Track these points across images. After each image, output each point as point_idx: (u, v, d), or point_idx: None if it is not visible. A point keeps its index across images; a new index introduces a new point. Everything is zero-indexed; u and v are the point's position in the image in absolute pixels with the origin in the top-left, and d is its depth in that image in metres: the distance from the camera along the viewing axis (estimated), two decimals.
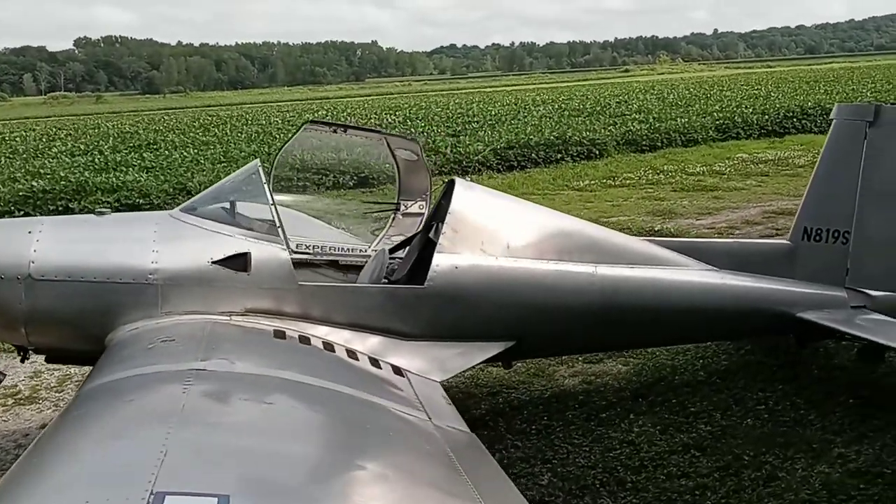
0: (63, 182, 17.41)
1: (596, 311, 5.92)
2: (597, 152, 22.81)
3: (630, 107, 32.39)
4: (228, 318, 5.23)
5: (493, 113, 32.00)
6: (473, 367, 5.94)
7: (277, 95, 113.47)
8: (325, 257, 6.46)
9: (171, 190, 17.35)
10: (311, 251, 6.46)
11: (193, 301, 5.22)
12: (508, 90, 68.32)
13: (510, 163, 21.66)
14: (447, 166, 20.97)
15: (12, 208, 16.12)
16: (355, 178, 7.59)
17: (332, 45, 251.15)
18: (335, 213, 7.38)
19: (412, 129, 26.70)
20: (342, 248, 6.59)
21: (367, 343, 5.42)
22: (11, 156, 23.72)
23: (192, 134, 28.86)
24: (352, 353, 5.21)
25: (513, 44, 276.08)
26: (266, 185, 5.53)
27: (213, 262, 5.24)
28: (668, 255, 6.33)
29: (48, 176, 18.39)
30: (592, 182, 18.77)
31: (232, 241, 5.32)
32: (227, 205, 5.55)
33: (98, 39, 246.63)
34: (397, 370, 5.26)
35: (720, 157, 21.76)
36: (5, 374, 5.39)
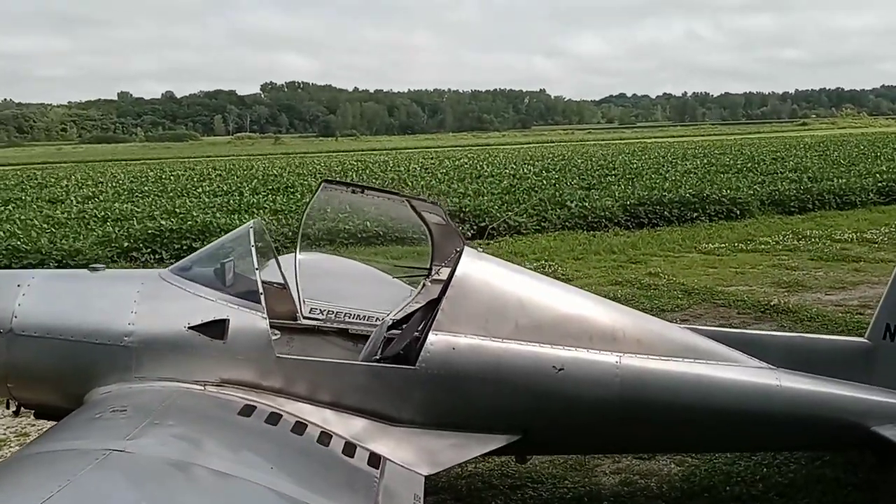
0: (191, 222, 18.12)
1: (617, 406, 5.18)
2: (737, 212, 21.43)
3: (785, 164, 30.43)
4: (202, 388, 4.93)
5: (633, 166, 30.93)
6: (469, 460, 5.33)
7: (443, 141, 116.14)
8: (335, 325, 6.08)
9: (291, 234, 17.68)
10: (322, 317, 6.10)
11: (168, 367, 4.96)
12: (675, 140, 66.57)
13: (640, 220, 20.70)
14: (571, 221, 20.31)
15: (140, 245, 16.91)
16: (385, 240, 7.18)
17: (501, 93, 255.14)
18: (362, 276, 7.01)
19: (544, 181, 26.18)
20: (358, 316, 6.19)
21: (349, 425, 4.96)
22: (160, 194, 25.12)
23: (316, 178, 29.64)
24: (325, 437, 4.76)
25: (685, 94, 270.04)
26: (253, 249, 5.23)
27: (190, 328, 4.98)
28: (714, 347, 5.49)
29: (181, 215, 19.23)
30: (724, 245, 17.52)
31: (212, 307, 5.03)
32: (218, 266, 5.30)
33: (282, 84, 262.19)
34: (374, 460, 4.75)
35: (876, 224, 19.85)
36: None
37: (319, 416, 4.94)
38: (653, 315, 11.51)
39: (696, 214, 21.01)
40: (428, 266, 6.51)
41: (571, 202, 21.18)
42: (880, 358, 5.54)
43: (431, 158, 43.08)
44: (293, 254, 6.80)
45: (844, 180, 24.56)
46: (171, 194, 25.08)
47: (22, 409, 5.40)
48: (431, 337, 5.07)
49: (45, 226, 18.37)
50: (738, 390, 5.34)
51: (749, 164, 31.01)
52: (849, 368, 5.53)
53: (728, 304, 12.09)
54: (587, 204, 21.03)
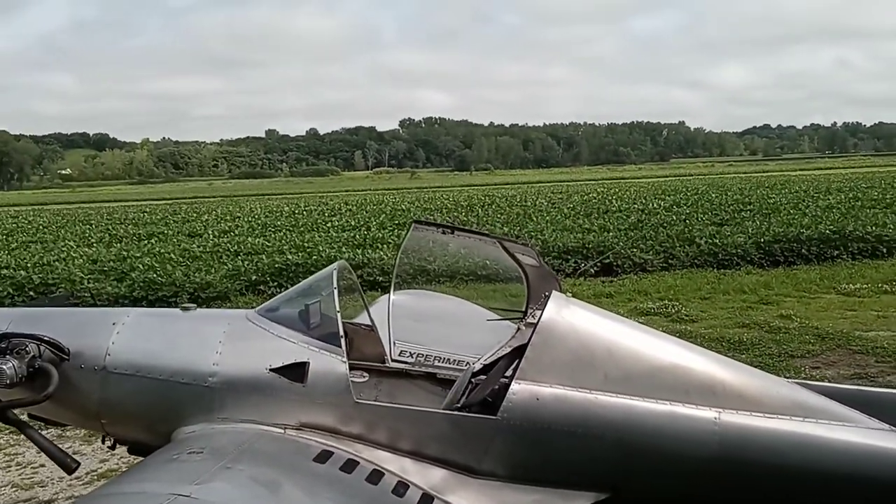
0: (316, 256, 18.59)
1: (715, 467, 4.78)
2: (883, 250, 19.97)
3: None
4: (282, 430, 4.92)
5: (771, 201, 29.50)
6: None
7: (578, 174, 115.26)
8: (423, 368, 5.95)
9: None
10: (411, 360, 5.99)
11: (250, 409, 4.98)
12: (822, 173, 63.47)
13: (775, 258, 19.63)
14: (700, 258, 19.51)
15: (267, 279, 17.47)
16: (481, 281, 7.00)
17: (638, 126, 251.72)
18: (459, 317, 6.85)
19: (674, 216, 25.34)
20: (448, 360, 6.05)
21: (427, 475, 4.81)
22: (292, 229, 25.98)
23: (455, 213, 29.82)
24: (401, 487, 4.63)
25: (834, 124, 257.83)
26: (336, 290, 5.19)
27: (271, 370, 4.98)
28: (826, 405, 4.99)
29: (308, 249, 19.77)
30: (866, 286, 16.30)
31: (294, 349, 5.02)
32: (302, 308, 5.29)
33: (420, 120, 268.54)
34: None
35: None
36: (79, 463, 5.52)
37: (397, 465, 4.82)
38: (780, 361, 10.96)
39: (836, 252, 19.73)
40: (523, 309, 6.31)
41: (701, 238, 20.35)
42: None
43: (561, 192, 42.71)
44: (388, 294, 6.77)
45: None
46: (301, 229, 25.89)
47: (117, 443, 5.56)
48: (514, 386, 4.86)
49: (181, 259, 19.29)
50: (852, 454, 4.83)
51: None
52: None
53: (866, 350, 11.19)
54: (718, 240, 20.15)
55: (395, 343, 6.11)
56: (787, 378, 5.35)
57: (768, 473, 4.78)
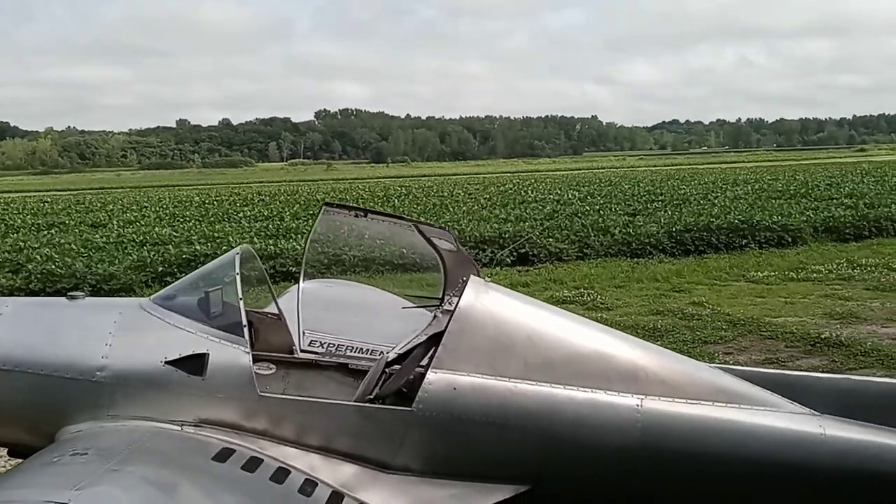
0: (226, 247, 17.94)
1: (638, 456, 4.63)
2: (789, 239, 20.54)
3: (840, 190, 29.31)
4: (179, 428, 4.54)
5: (681, 192, 30.11)
6: None
7: (494, 167, 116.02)
8: (334, 359, 5.64)
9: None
10: (322, 350, 5.67)
11: (143, 405, 4.58)
12: (728, 166, 65.47)
13: (686, 247, 19.96)
14: (614, 248, 19.68)
15: (174, 269, 16.74)
16: (397, 267, 6.72)
17: (552, 120, 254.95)
18: (375, 305, 6.55)
19: (588, 207, 25.56)
20: (361, 349, 5.74)
21: (337, 472, 4.51)
22: (201, 219, 25.15)
23: (371, 203, 29.43)
24: (309, 485, 4.32)
25: (739, 120, 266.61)
26: (238, 277, 4.83)
27: (167, 363, 4.59)
28: (749, 390, 4.90)
29: (218, 240, 19.11)
30: (773, 273, 16.71)
31: (192, 340, 4.64)
32: (202, 296, 4.91)
33: (336, 112, 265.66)
34: None
35: None
36: None
37: (305, 461, 4.50)
38: (694, 347, 11.03)
39: (745, 242, 20.19)
40: (440, 296, 6.05)
41: (615, 228, 20.54)
42: None
43: (477, 184, 42.75)
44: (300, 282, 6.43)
45: None
46: (211, 219, 25.09)
47: None
48: (430, 375, 4.61)
49: (82, 250, 18.37)
50: (775, 439, 4.75)
51: (803, 190, 29.98)
52: None
53: (776, 336, 11.38)
54: (631, 230, 20.39)
55: (304, 333, 5.78)
56: (709, 363, 5.23)
57: (691, 460, 4.65)
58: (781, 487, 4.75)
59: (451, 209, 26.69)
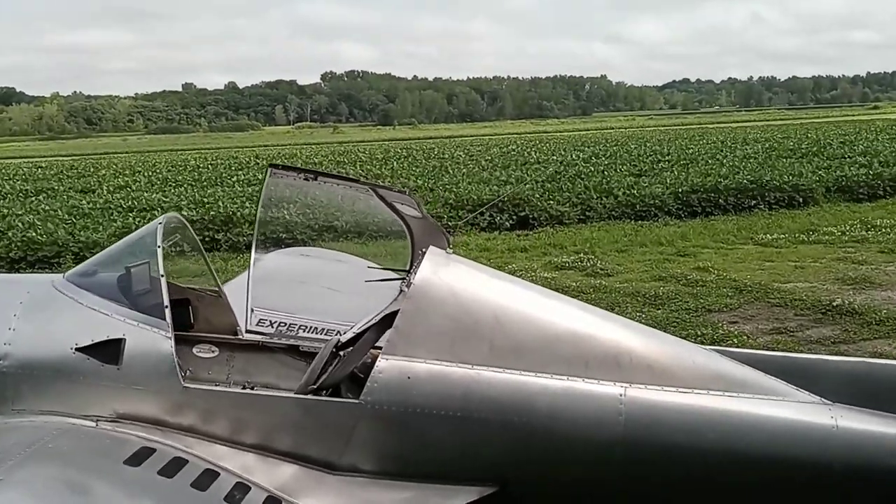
0: (214, 212, 17.36)
1: (621, 451, 4.03)
2: (800, 200, 19.79)
3: (854, 148, 28.39)
4: (94, 424, 3.96)
5: (689, 152, 29.25)
6: None
7: (502, 129, 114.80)
8: (283, 340, 5.03)
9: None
10: (271, 330, 5.07)
11: (52, 398, 4.01)
12: (739, 125, 64.41)
13: (693, 209, 19.26)
14: (617, 210, 18.98)
15: None
16: (361, 236, 6.08)
17: (561, 80, 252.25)
18: (339, 277, 5.92)
19: (592, 168, 24.79)
20: (315, 328, 5.14)
21: (274, 474, 3.94)
22: (194, 184, 24.53)
23: (369, 166, 28.72)
24: (240, 489, 3.74)
25: (750, 78, 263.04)
26: (160, 250, 4.22)
27: (78, 350, 4.00)
28: (750, 376, 4.28)
29: (209, 205, 18.49)
30: (783, 236, 16.00)
31: (106, 323, 4.05)
32: (122, 273, 4.31)
33: (342, 74, 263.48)
34: None
35: None
36: None
37: (238, 462, 3.93)
38: (697, 316, 10.41)
39: (753, 202, 19.45)
40: (408, 268, 5.41)
41: (619, 190, 19.82)
42: None
43: (480, 146, 41.91)
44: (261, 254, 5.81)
45: None
46: (204, 183, 24.45)
47: None
48: (381, 362, 4.00)
49: (67, 216, 17.80)
50: (780, 433, 4.13)
51: (815, 149, 29.06)
52: None
53: (784, 303, 10.73)
54: (636, 192, 19.66)
55: (253, 311, 5.17)
56: (704, 345, 4.59)
57: (683, 457, 4.05)
58: (787, 486, 4.15)
59: (451, 171, 25.96)
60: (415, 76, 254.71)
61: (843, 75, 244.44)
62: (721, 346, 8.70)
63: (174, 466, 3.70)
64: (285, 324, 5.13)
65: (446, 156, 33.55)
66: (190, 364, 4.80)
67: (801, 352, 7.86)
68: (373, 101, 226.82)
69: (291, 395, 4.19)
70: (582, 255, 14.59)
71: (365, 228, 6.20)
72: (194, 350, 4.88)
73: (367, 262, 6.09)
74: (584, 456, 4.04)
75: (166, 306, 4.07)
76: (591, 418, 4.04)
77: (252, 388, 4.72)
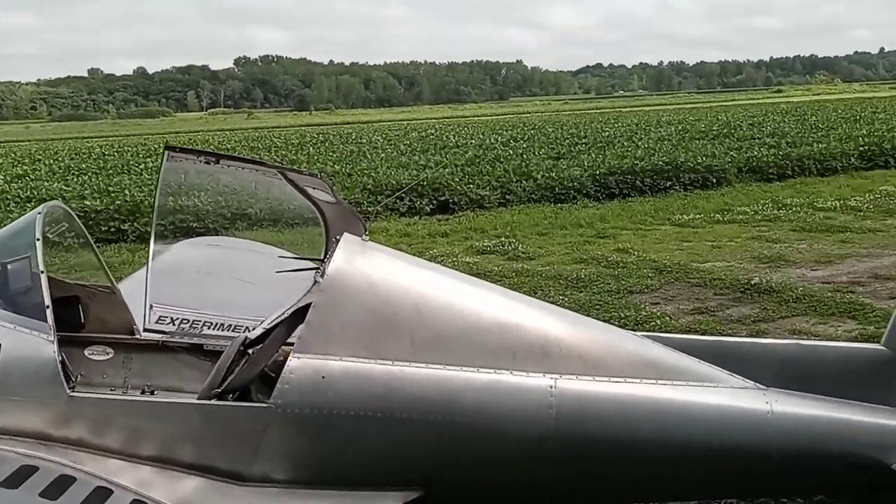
0: (120, 201, 16.56)
1: (552, 447, 3.81)
2: (713, 181, 20.11)
3: (762, 129, 29.09)
4: None
5: (605, 134, 29.51)
6: None
7: (419, 113, 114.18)
8: (186, 339, 4.64)
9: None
10: (172, 327, 4.66)
11: None
12: (651, 109, 65.66)
13: (610, 190, 19.34)
14: (537, 193, 18.92)
15: None
16: (270, 222, 5.72)
17: (478, 65, 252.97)
18: (244, 270, 5.52)
19: (511, 151, 24.71)
20: (222, 325, 4.76)
21: (175, 488, 3.58)
22: (98, 172, 23.43)
23: (284, 152, 28.04)
24: None
25: (661, 63, 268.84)
26: (39, 244, 3.78)
27: None
28: (683, 363, 4.11)
29: (114, 194, 17.62)
30: (699, 216, 16.19)
31: None
32: None
33: (256, 59, 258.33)
34: None
35: (860, 190, 18.65)
36: None
37: (134, 477, 3.55)
38: (619, 298, 10.35)
39: (669, 184, 19.66)
40: (322, 257, 5.06)
41: (538, 173, 19.75)
42: None
43: (398, 130, 41.48)
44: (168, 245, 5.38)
45: (824, 145, 23.32)
46: (109, 171, 23.36)
47: None
48: (292, 362, 3.67)
49: None
50: (715, 420, 3.98)
51: (725, 130, 29.65)
52: (861, 385, 4.18)
53: (704, 283, 10.77)
54: (554, 174, 19.62)
55: (152, 307, 4.75)
56: (633, 329, 4.40)
57: (616, 449, 3.85)
58: (722, 474, 4.01)
59: (369, 156, 25.51)
60: (331, 61, 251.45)
61: (748, 60, 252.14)
62: (646, 328, 8.71)
63: (59, 486, 3.30)
64: (188, 320, 4.73)
65: (364, 140, 33.01)
66: (82, 368, 4.37)
67: (734, 335, 7.82)
68: (288, 87, 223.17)
69: (193, 400, 3.82)
70: (503, 238, 14.45)
71: (280, 215, 5.83)
72: (86, 352, 4.44)
73: (280, 251, 5.73)
74: (514, 453, 3.81)
75: (47, 306, 3.64)
76: (521, 413, 3.80)
77: (152, 393, 4.32)
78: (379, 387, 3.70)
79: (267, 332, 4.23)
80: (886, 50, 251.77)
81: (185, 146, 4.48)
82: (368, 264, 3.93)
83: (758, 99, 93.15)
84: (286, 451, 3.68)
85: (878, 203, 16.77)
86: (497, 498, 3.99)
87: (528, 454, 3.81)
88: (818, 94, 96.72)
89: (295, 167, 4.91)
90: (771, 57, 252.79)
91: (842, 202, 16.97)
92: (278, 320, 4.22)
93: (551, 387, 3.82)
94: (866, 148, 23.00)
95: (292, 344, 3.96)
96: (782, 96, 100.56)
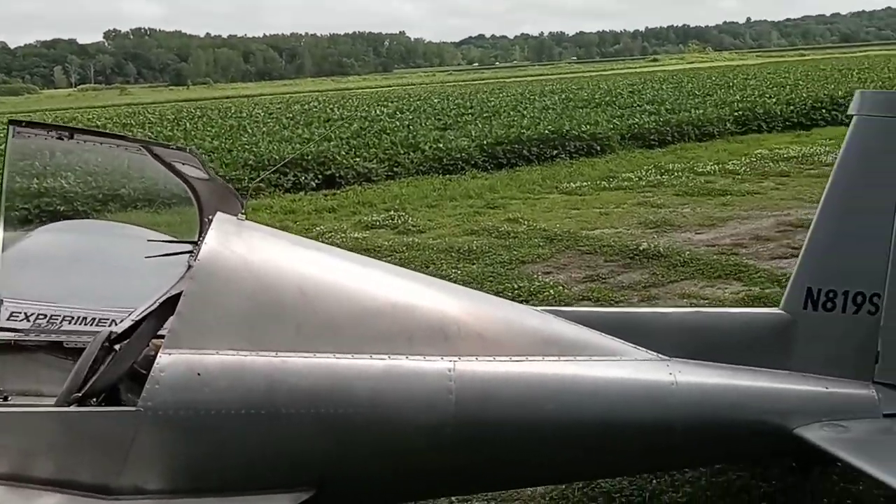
0: None
1: (453, 434, 3.57)
2: (598, 148, 20.37)
3: (642, 97, 29.73)
4: None
5: (491, 104, 29.52)
6: None
7: (302, 86, 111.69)
8: (42, 336, 4.16)
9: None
10: (27, 324, 4.17)
11: None
12: (534, 79, 66.38)
13: (498, 160, 19.30)
14: (425, 165, 18.68)
15: None
16: (144, 203, 5.25)
17: (360, 37, 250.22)
18: (110, 257, 5.04)
19: (397, 123, 24.37)
20: (86, 320, 4.29)
21: None
22: None
23: (159, 128, 26.77)
24: None
25: (542, 34, 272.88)
26: None
27: None
28: (585, 337, 3.95)
29: None
30: (586, 183, 16.31)
31: None
32: None
33: (127, 31, 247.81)
34: None
35: (736, 154, 19.24)
36: None
37: None
38: (511, 269, 10.24)
39: (556, 152, 19.78)
40: (196, 240, 4.63)
41: (425, 144, 19.50)
42: (801, 333, 4.15)
43: (280, 103, 40.37)
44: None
45: (701, 111, 23.99)
46: None
47: None
48: (163, 358, 3.28)
49: None
50: (620, 394, 3.84)
51: (607, 98, 30.16)
52: (763, 350, 4.13)
53: (594, 250, 10.80)
54: (442, 146, 19.41)
55: (2, 302, 4.23)
56: (535, 307, 4.20)
57: (520, 432, 3.65)
58: (629, 448, 3.87)
59: (250, 130, 24.62)
60: (208, 34, 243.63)
61: (625, 30, 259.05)
62: (540, 298, 8.62)
63: None
64: (45, 315, 4.24)
65: (244, 114, 31.90)
66: None
67: (635, 306, 7.80)
68: (163, 61, 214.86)
69: (51, 406, 3.38)
70: (392, 212, 14.15)
71: (154, 195, 5.35)
72: None
73: (152, 233, 5.26)
74: (412, 443, 3.55)
75: None
76: (419, 400, 3.54)
77: (6, 399, 3.84)
78: (261, 381, 3.36)
79: (135, 326, 3.80)
80: (753, 20, 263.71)
81: (33, 120, 3.96)
82: (245, 246, 3.56)
83: (635, 68, 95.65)
84: (159, 459, 3.30)
85: (754, 166, 17.34)
86: (397, 490, 3.73)
87: (428, 443, 3.56)
88: (692, 63, 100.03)
89: (162, 141, 4.44)
90: (646, 27, 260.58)
91: (720, 166, 17.45)
92: (147, 311, 3.80)
93: (450, 370, 3.58)
94: (740, 113, 23.77)
95: (160, 336, 3.57)
96: (658, 65, 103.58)
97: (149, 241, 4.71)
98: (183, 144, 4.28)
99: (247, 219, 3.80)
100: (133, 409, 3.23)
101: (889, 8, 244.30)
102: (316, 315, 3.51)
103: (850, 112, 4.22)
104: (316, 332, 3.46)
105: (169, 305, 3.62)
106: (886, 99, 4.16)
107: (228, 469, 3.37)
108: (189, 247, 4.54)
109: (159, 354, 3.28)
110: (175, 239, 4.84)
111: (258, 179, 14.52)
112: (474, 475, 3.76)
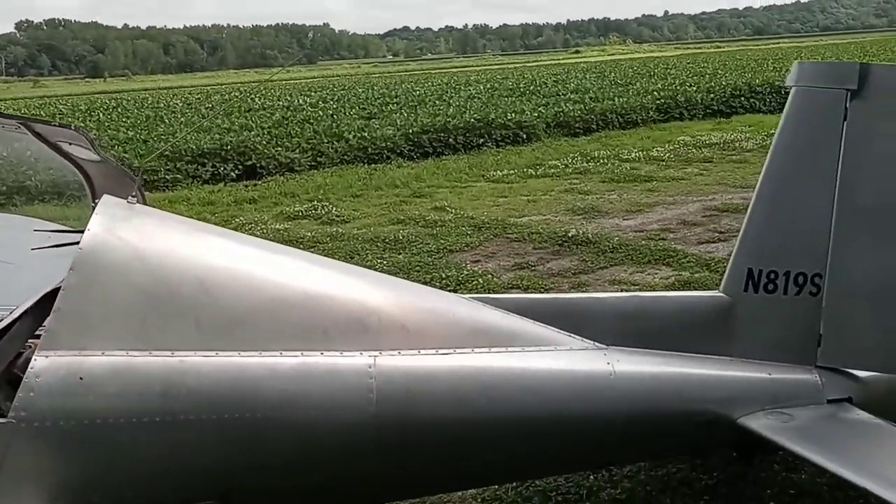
0: None
1: (375, 436, 3.24)
2: (524, 136, 20.25)
3: (566, 86, 29.79)
4: None
5: (416, 94, 29.18)
6: None
7: (224, 78, 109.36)
8: None
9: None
10: None
11: None
12: (459, 70, 66.31)
13: (424, 149, 19.00)
14: (349, 154, 18.24)
15: None
16: (20, 190, 4.77)
17: (284, 28, 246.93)
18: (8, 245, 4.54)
19: (321, 112, 23.80)
20: None
21: None
22: None
23: (71, 119, 25.59)
24: None
25: (466, 26, 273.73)
26: None
27: None
28: (517, 326, 3.65)
29: None
30: (512, 171, 16.14)
31: None
32: None
33: (41, 22, 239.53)
34: None
35: (660, 141, 19.35)
36: None
37: None
38: (439, 258, 9.95)
39: (482, 140, 19.58)
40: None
41: (349, 133, 19.04)
42: (742, 316, 3.94)
43: (199, 94, 39.23)
44: None
45: (624, 99, 24.11)
46: None
47: None
48: (38, 362, 2.86)
49: None
50: (555, 386, 3.56)
51: (532, 87, 30.16)
52: (703, 335, 3.91)
53: (522, 237, 10.58)
54: (367, 135, 18.99)
55: None
56: (464, 295, 3.89)
57: (450, 430, 3.34)
58: (567, 444, 3.60)
59: (167, 121, 23.74)
60: (125, 25, 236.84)
61: (548, 23, 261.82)
62: (469, 287, 8.34)
63: None
64: None
65: (161, 105, 30.82)
66: None
67: (569, 292, 7.57)
68: (79, 52, 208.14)
69: None
70: (316, 202, 13.71)
71: (41, 181, 4.85)
72: None
73: (38, 222, 4.79)
74: (329, 449, 3.21)
75: None
76: (336, 401, 3.20)
77: None
78: (156, 384, 2.97)
79: (9, 326, 3.35)
80: (670, 13, 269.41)
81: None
82: (136, 233, 3.15)
83: (559, 59, 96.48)
84: (37, 475, 2.88)
85: (677, 153, 17.44)
86: (314, 500, 3.38)
87: (347, 448, 3.22)
88: (613, 55, 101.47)
89: (46, 118, 3.98)
90: (568, 20, 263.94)
91: (645, 153, 17.50)
92: (22, 310, 3.36)
93: (370, 366, 3.24)
94: (662, 101, 23.96)
95: (37, 336, 3.14)
96: (581, 57, 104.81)
97: (35, 231, 4.23)
98: (69, 123, 3.81)
99: (141, 202, 3.39)
100: (4, 420, 2.81)
101: (798, 2, 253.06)
102: (218, 309, 3.13)
103: (787, 84, 4.02)
104: (218, 328, 3.09)
105: (48, 302, 3.19)
106: (827, 68, 3.97)
107: (119, 485, 2.97)
108: (75, 237, 4.10)
109: (34, 357, 2.86)
110: (61, 228, 4.38)
111: (149, 159, 13.61)
112: (399, 482, 3.43)
